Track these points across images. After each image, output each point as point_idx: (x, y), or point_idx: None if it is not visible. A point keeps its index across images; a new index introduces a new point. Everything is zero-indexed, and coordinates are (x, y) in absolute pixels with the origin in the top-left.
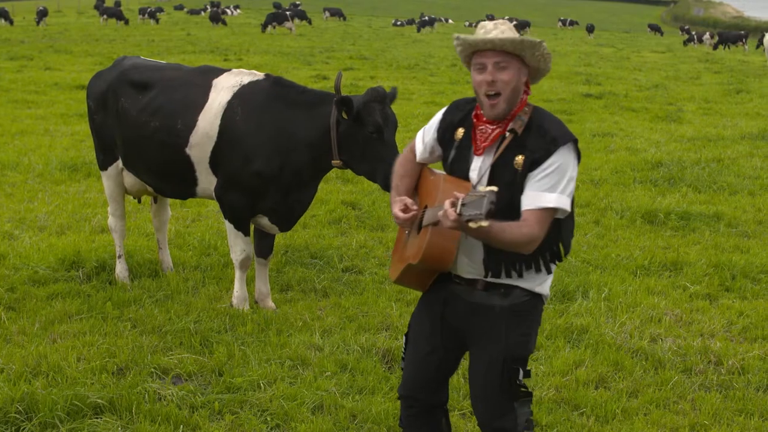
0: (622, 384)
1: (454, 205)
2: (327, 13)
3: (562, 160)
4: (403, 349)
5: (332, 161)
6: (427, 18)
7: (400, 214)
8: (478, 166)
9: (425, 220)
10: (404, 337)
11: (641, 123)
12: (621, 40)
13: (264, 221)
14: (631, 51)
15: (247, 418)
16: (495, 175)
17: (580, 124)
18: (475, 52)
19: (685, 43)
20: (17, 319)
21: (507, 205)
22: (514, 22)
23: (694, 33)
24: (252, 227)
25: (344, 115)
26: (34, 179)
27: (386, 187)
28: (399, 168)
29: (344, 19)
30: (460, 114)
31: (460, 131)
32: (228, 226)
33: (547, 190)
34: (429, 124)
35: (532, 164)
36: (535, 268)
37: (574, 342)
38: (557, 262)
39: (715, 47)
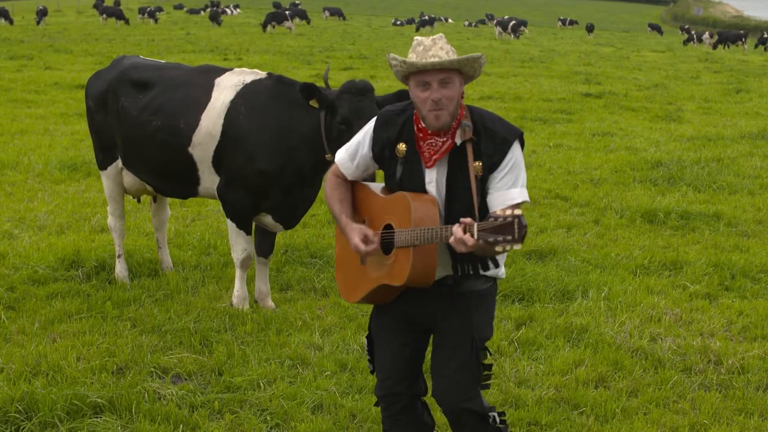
0: (621, 383)
1: (466, 230)
2: (327, 13)
3: (515, 156)
4: (367, 352)
5: (326, 156)
6: (426, 17)
7: (362, 246)
8: (434, 179)
9: (399, 242)
10: (366, 339)
11: (641, 122)
12: (621, 40)
13: (268, 219)
14: (630, 50)
15: (247, 417)
16: (452, 184)
17: (580, 124)
18: (413, 73)
19: (685, 42)
20: (17, 318)
21: (466, 210)
22: (513, 21)
23: (693, 32)
24: (253, 226)
25: (313, 104)
26: (34, 179)
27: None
28: (333, 193)
29: (344, 18)
30: (396, 128)
31: (402, 146)
32: (230, 225)
33: (510, 188)
34: (355, 142)
35: (492, 167)
36: (495, 263)
37: (573, 341)
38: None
39: (714, 47)
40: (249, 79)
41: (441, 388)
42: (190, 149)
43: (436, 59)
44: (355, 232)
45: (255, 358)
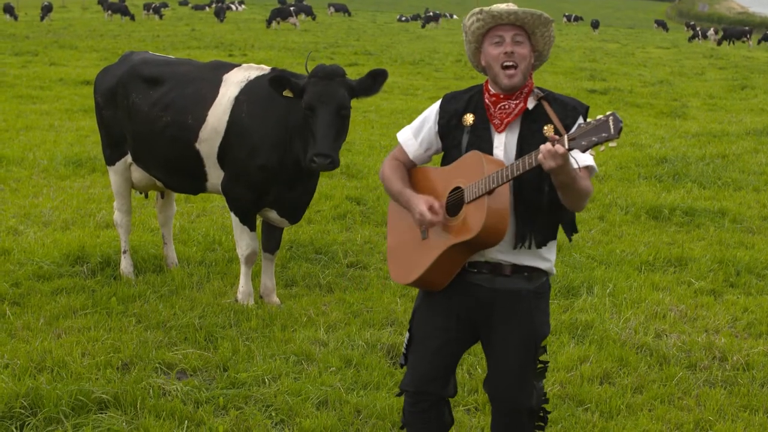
0: (626, 380)
1: (555, 143)
2: (332, 9)
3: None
4: (405, 345)
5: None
6: (431, 13)
7: (428, 215)
8: (503, 143)
9: (472, 193)
10: (407, 333)
11: (646, 119)
12: (626, 36)
13: (272, 215)
14: (635, 47)
15: (252, 413)
16: (524, 147)
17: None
18: (490, 29)
19: (690, 39)
20: (22, 314)
21: (536, 175)
22: None
23: (698, 29)
24: (260, 222)
25: (287, 94)
26: (39, 174)
27: (308, 163)
28: (394, 173)
29: (349, 14)
30: (462, 102)
31: (469, 117)
32: (234, 221)
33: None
34: (420, 121)
35: (564, 130)
36: (554, 236)
37: (578, 338)
38: (572, 235)
39: (719, 43)
40: (254, 74)
41: (496, 386)
42: (197, 145)
43: (513, 8)
44: (421, 201)
45: (260, 353)
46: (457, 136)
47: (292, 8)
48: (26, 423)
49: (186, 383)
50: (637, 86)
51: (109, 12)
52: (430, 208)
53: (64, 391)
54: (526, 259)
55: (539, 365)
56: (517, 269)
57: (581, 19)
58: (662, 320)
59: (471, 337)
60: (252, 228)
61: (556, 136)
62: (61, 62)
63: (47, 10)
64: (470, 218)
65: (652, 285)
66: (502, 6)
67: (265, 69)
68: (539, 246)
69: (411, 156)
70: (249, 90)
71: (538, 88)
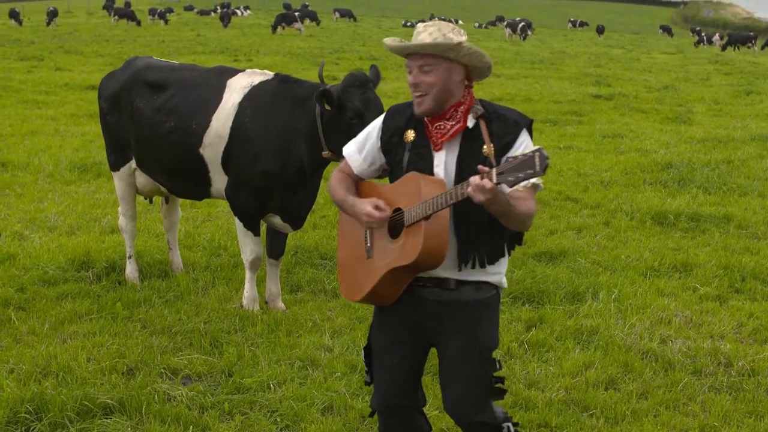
0: (631, 385)
1: (484, 177)
2: (337, 14)
3: (526, 140)
4: (365, 363)
5: (322, 153)
6: (436, 19)
7: (375, 213)
8: (443, 161)
9: (411, 218)
10: (363, 351)
11: (651, 124)
12: (631, 42)
13: (276, 220)
14: (641, 52)
15: (257, 418)
16: (464, 166)
17: (590, 126)
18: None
19: (696, 44)
20: (27, 319)
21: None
22: (522, 23)
23: (704, 34)
24: (264, 228)
25: (327, 107)
26: (44, 179)
27: None
28: (339, 184)
29: (354, 19)
30: (404, 117)
31: (410, 133)
32: (238, 226)
33: None
34: (364, 134)
35: (504, 148)
36: (501, 253)
37: (583, 343)
38: (515, 247)
39: (723, 48)
40: (257, 80)
41: (451, 403)
42: (201, 150)
43: (410, 43)
44: (366, 203)
45: (265, 359)
46: (399, 153)
47: (297, 13)
48: (31, 428)
49: (191, 388)
50: (642, 92)
51: (116, 17)
52: (376, 207)
53: (69, 396)
54: (472, 275)
55: (495, 383)
56: (463, 282)
57: (586, 24)
58: (667, 326)
59: (426, 346)
60: (256, 233)
61: (486, 169)
62: (67, 67)
63: (53, 15)
64: (409, 242)
65: (657, 291)
66: (420, 29)
67: (269, 74)
68: (485, 265)
69: (356, 171)
70: (252, 95)
71: (481, 102)
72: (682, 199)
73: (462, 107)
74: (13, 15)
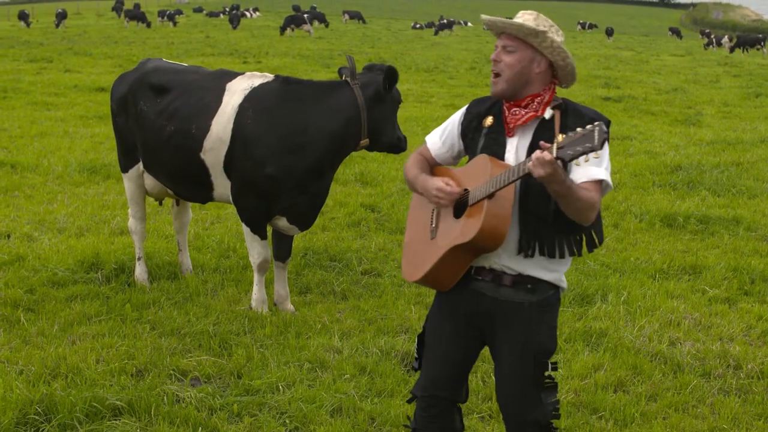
0: (641, 388)
1: (544, 150)
2: (346, 16)
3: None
4: (416, 351)
5: (361, 142)
6: (445, 21)
7: (447, 187)
8: (514, 147)
9: (475, 196)
10: (417, 338)
11: (660, 126)
12: (640, 44)
13: (282, 222)
14: (650, 54)
15: (266, 420)
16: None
17: None
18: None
19: (706, 46)
20: (36, 320)
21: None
22: None
23: (713, 36)
24: (270, 231)
25: (386, 88)
26: (54, 181)
27: (402, 144)
28: (414, 165)
29: (364, 21)
30: (486, 105)
31: (489, 119)
32: (245, 230)
33: (594, 165)
34: (446, 124)
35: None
36: (562, 249)
37: (593, 345)
38: (593, 249)
39: (731, 50)
40: (257, 82)
41: (503, 399)
42: (202, 154)
43: (491, 18)
44: (437, 179)
45: (274, 361)
46: (475, 138)
47: (306, 15)
48: (40, 429)
49: (200, 390)
50: (651, 94)
51: (127, 19)
52: (447, 184)
53: (78, 398)
54: (531, 268)
55: (546, 380)
56: (520, 280)
57: (595, 26)
58: (677, 328)
59: (481, 342)
60: (263, 237)
61: (547, 144)
62: (76, 69)
63: (62, 16)
64: (470, 221)
65: (666, 293)
66: (491, 17)
67: (269, 77)
68: (547, 255)
69: (433, 154)
70: (253, 98)
71: (564, 100)
72: (692, 201)
73: (539, 98)
74: (22, 17)
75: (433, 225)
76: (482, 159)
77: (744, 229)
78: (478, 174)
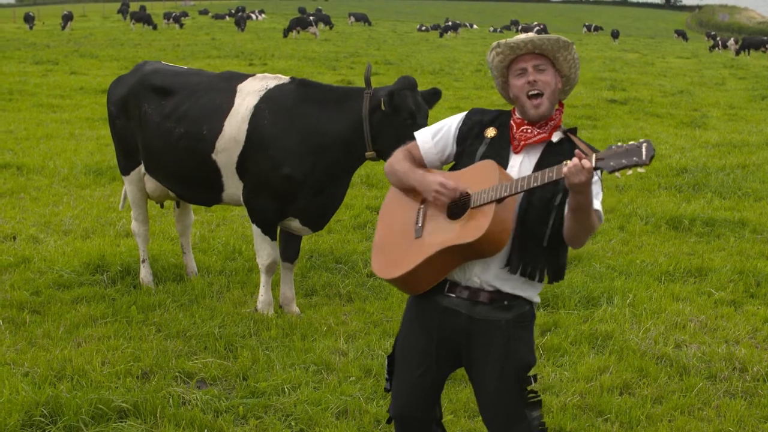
0: (646, 390)
1: (583, 157)
2: (352, 18)
3: (599, 174)
4: (386, 370)
5: (366, 153)
6: (450, 23)
7: (450, 183)
8: (518, 163)
9: (477, 200)
10: (387, 359)
11: (666, 129)
12: (646, 46)
13: (294, 224)
14: (655, 56)
15: (272, 422)
16: None
17: (605, 130)
18: (512, 62)
19: (711, 48)
20: (42, 322)
21: (545, 204)
22: (537, 27)
23: (719, 38)
24: (278, 231)
25: (383, 107)
26: (59, 183)
27: None
28: (403, 161)
29: (369, 24)
30: (489, 116)
31: (492, 130)
32: (255, 231)
33: (594, 196)
34: (441, 123)
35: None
36: (548, 276)
37: (598, 348)
38: (557, 281)
39: (737, 53)
40: (272, 84)
41: (490, 419)
42: (214, 156)
43: (528, 37)
44: (437, 174)
45: (280, 363)
46: (474, 144)
47: (311, 17)
48: (46, 431)
49: (206, 392)
50: (657, 96)
51: (133, 21)
52: (447, 180)
53: (83, 400)
54: (509, 286)
55: (530, 395)
56: (497, 297)
57: (601, 29)
58: (682, 331)
59: (453, 362)
60: (273, 238)
61: (583, 153)
62: (82, 71)
63: (68, 18)
64: (474, 222)
65: (672, 295)
66: (520, 35)
67: (283, 78)
68: (528, 277)
69: (422, 152)
70: (269, 99)
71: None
72: (697, 203)
73: (552, 122)
74: (28, 19)
75: (419, 224)
76: (489, 164)
77: (750, 231)
78: (482, 178)
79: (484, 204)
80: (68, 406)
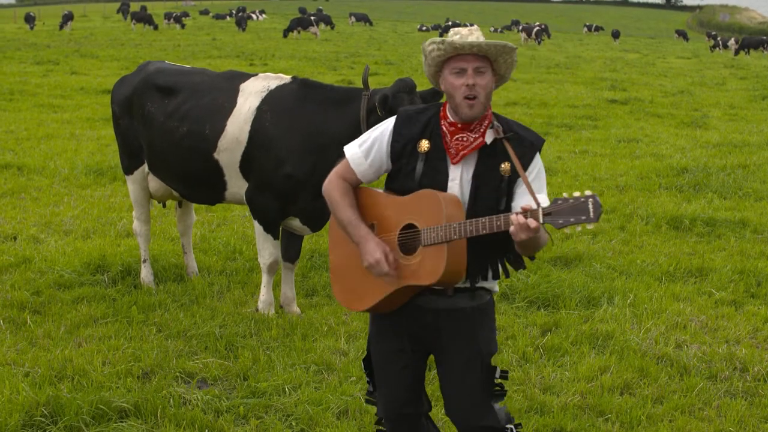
0: (647, 390)
1: (528, 215)
2: (353, 18)
3: (540, 163)
4: (366, 374)
5: None
6: (451, 23)
7: (384, 266)
8: (459, 176)
9: (430, 239)
10: (363, 363)
11: (666, 129)
12: (646, 46)
13: (295, 223)
14: (656, 57)
15: (272, 422)
16: (480, 183)
17: (606, 130)
18: (451, 57)
19: (712, 48)
20: (43, 322)
21: (490, 211)
22: (537, 27)
23: (719, 38)
24: (280, 231)
25: (379, 111)
26: (60, 183)
27: None
28: (344, 199)
29: (370, 24)
30: (419, 125)
31: (425, 143)
32: (257, 229)
33: (539, 192)
34: (371, 138)
35: (522, 169)
36: (508, 268)
37: (599, 348)
38: (523, 268)
39: (736, 53)
40: (274, 84)
41: (453, 409)
42: (216, 155)
43: (475, 40)
44: (377, 248)
45: (280, 363)
46: (411, 162)
47: (312, 17)
48: (46, 431)
49: (206, 392)
50: (657, 96)
51: (134, 21)
52: (386, 257)
53: (84, 400)
54: (468, 282)
55: (495, 388)
56: (460, 290)
57: (602, 29)
58: (683, 331)
59: (424, 354)
60: (276, 237)
61: (529, 207)
62: (82, 71)
63: (67, 18)
64: (428, 263)
65: (672, 295)
66: (464, 34)
67: (285, 78)
68: (491, 278)
69: (359, 175)
70: (271, 99)
71: (495, 117)
72: (698, 203)
73: (485, 121)
74: (28, 19)
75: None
76: (432, 195)
77: (750, 231)
78: (429, 211)
79: (435, 243)
80: (69, 407)
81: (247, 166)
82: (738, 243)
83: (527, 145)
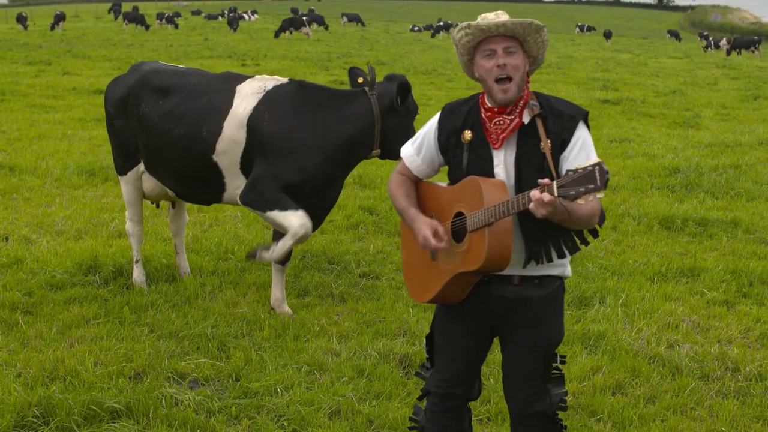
0: (639, 390)
1: (544, 190)
2: (345, 18)
3: (584, 134)
4: (426, 350)
5: (372, 152)
6: (443, 23)
7: (432, 241)
8: (502, 160)
9: (473, 224)
10: (426, 340)
11: (658, 129)
12: (638, 46)
13: None
14: (648, 57)
15: (264, 423)
16: (522, 164)
17: (598, 130)
18: (480, 42)
19: (705, 48)
20: (34, 323)
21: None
22: None
23: (711, 39)
24: (271, 231)
25: (397, 103)
26: (52, 184)
27: None
28: (400, 189)
29: (362, 24)
30: (460, 117)
31: (467, 133)
32: (272, 215)
33: (586, 159)
34: (421, 135)
35: (562, 145)
36: (573, 247)
37: (591, 348)
38: (576, 251)
39: (728, 52)
40: (270, 85)
41: (510, 394)
42: (214, 157)
43: (500, 20)
44: (425, 226)
45: (272, 363)
46: (457, 154)
47: (304, 18)
48: None
49: (198, 393)
50: (649, 96)
51: (126, 21)
52: (435, 234)
53: (76, 401)
54: (536, 270)
55: (554, 372)
56: (527, 278)
57: (594, 29)
58: (675, 331)
59: (489, 339)
60: (293, 207)
61: (545, 181)
62: (74, 71)
63: (59, 18)
64: (473, 249)
65: (664, 295)
66: (491, 18)
67: (281, 80)
68: (553, 260)
69: (414, 172)
70: (268, 100)
71: (536, 95)
72: (690, 203)
73: (521, 102)
74: (20, 20)
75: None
76: (474, 182)
77: (742, 231)
78: (472, 197)
79: (478, 228)
80: (61, 407)
81: (247, 166)
82: (730, 243)
83: (567, 118)
